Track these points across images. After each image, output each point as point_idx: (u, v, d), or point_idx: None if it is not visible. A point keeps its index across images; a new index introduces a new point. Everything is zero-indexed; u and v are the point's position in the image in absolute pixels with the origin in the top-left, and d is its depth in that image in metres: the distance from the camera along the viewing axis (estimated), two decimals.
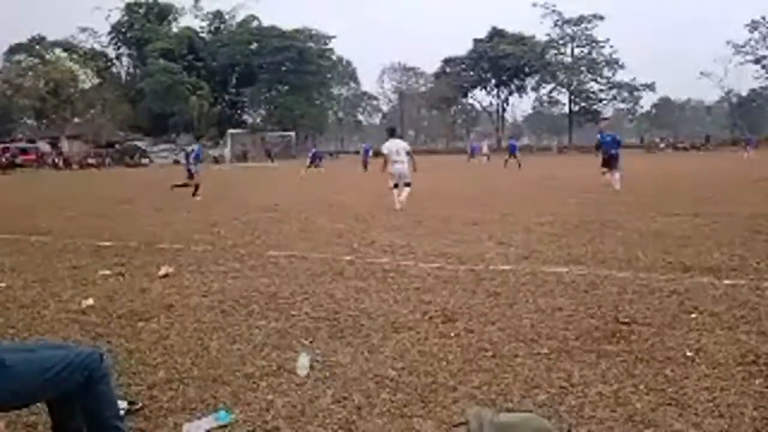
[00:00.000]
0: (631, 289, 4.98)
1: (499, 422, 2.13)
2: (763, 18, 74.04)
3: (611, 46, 78.84)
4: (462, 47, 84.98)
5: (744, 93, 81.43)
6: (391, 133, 12.91)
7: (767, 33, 74.89)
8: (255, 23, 75.79)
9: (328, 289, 5.25)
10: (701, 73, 79.92)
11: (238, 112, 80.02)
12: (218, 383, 3.21)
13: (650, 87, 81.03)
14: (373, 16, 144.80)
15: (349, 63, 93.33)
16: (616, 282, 5.23)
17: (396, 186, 12.08)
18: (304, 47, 73.40)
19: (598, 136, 17.36)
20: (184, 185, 16.80)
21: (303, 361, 3.32)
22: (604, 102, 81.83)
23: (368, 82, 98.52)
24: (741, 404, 2.78)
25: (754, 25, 75.54)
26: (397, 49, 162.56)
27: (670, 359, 3.37)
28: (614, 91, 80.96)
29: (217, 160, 49.83)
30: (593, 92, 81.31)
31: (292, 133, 63.25)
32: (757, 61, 76.46)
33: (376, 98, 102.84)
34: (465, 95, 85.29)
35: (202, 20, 77.91)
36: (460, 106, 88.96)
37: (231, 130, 54.47)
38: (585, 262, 6.18)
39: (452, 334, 3.92)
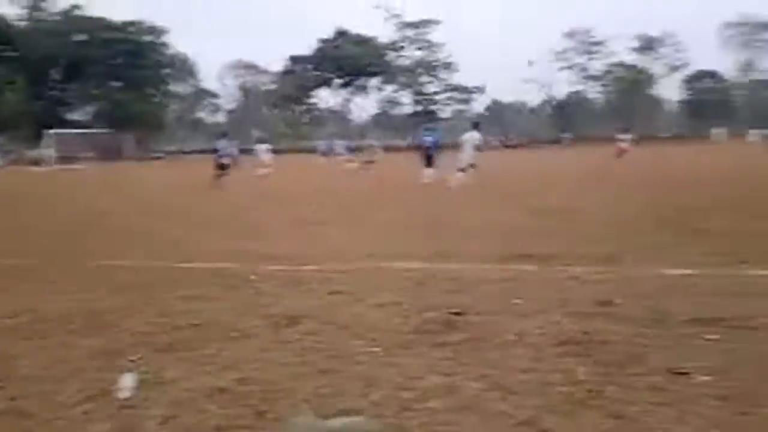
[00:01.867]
0: (465, 279, 5.26)
1: (325, 429, 2.11)
2: (579, 28, 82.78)
3: (447, 50, 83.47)
4: (308, 47, 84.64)
5: (563, 96, 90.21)
6: (474, 126, 16.45)
7: (580, 42, 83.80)
8: (78, 12, 69.56)
9: (160, 299, 4.93)
10: (525, 79, 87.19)
11: (63, 109, 72.93)
12: (23, 417, 2.85)
13: (480, 90, 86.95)
14: (213, 10, 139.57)
15: (186, 58, 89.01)
16: (451, 274, 5.50)
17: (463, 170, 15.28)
18: (138, 41, 68.88)
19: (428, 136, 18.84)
20: None
21: (126, 381, 3.06)
22: (443, 104, 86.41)
23: (210, 80, 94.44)
24: (554, 382, 3.03)
25: (570, 34, 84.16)
26: (240, 46, 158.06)
27: (496, 345, 3.59)
28: (451, 94, 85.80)
29: (36, 162, 45.05)
30: (432, 94, 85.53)
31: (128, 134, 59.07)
32: (572, 67, 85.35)
33: (216, 96, 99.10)
34: (310, 94, 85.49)
35: (18, 7, 69.98)
36: (305, 106, 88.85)
37: (53, 130, 49.46)
38: (424, 256, 6.43)
39: (293, 338, 3.85)
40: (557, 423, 2.60)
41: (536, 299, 4.54)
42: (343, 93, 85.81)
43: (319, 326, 4.07)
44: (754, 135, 44.84)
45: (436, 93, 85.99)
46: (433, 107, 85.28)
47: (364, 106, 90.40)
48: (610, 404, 2.76)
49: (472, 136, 16.37)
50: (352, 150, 38.29)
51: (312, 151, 53.19)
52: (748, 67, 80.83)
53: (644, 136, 58.36)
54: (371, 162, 28.62)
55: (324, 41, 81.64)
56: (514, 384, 3.02)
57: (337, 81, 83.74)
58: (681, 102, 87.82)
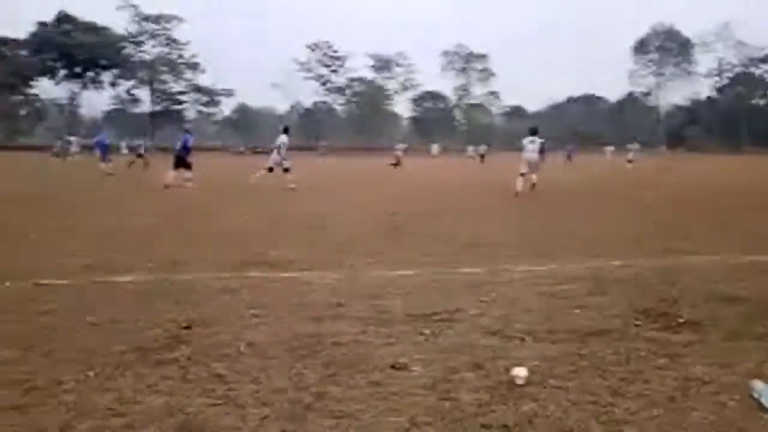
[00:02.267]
0: (197, 290, 5.02)
1: None
2: (320, 41, 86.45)
3: (191, 50, 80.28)
4: (22, 29, 73.89)
5: (308, 105, 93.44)
6: (533, 132, 16.52)
7: (323, 55, 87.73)
8: None
9: None
10: (273, 84, 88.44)
11: None
12: None
13: (229, 93, 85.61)
14: None
15: None
16: (182, 284, 5.20)
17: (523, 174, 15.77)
18: None
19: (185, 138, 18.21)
20: None
21: None
22: (187, 104, 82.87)
23: None
24: (283, 388, 3.03)
25: (312, 47, 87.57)
26: None
27: (225, 357, 3.47)
28: (196, 95, 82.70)
29: None
30: (175, 93, 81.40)
31: None
32: (316, 78, 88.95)
33: None
34: (27, 84, 74.54)
35: None
36: (22, 96, 77.27)
37: None
38: (153, 266, 5.98)
39: None
40: (281, 431, 2.59)
41: (271, 306, 4.53)
42: (71, 85, 76.73)
43: (19, 354, 3.49)
44: (471, 151, 52.04)
45: (180, 93, 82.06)
46: (176, 107, 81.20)
47: (96, 100, 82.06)
48: (333, 404, 2.84)
49: (282, 140, 17.74)
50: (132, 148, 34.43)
51: (33, 148, 46.46)
52: (464, 91, 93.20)
53: (385, 147, 63.55)
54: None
55: (44, 25, 71.98)
56: (241, 396, 2.94)
57: (63, 71, 74.54)
58: (410, 118, 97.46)
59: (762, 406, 2.78)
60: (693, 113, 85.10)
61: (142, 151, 32.63)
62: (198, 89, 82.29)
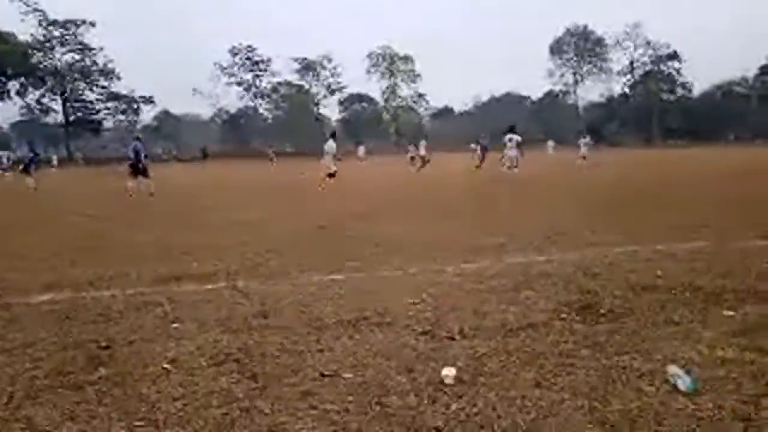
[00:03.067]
0: (120, 306, 4.79)
1: None
2: (242, 45, 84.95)
3: (105, 56, 77.01)
4: None
5: (233, 110, 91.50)
6: (510, 130, 20.38)
7: (245, 59, 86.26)
8: None
9: None
10: (194, 90, 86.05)
11: None
12: None
13: (149, 100, 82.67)
14: None
15: None
16: (103, 302, 4.95)
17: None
18: None
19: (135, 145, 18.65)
20: None
21: None
22: (104, 113, 79.46)
23: None
24: (208, 405, 2.92)
25: (234, 51, 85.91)
26: None
27: (147, 376, 3.32)
28: (113, 103, 79.39)
29: None
30: (91, 102, 77.88)
31: None
32: (239, 83, 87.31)
33: None
34: None
35: None
36: None
37: None
38: (76, 283, 5.66)
39: None
40: None
41: (195, 320, 4.37)
42: None
43: None
44: (413, 150, 50.71)
45: (95, 101, 78.52)
46: (93, 116, 77.69)
47: (2, 112, 77.38)
48: (261, 418, 2.76)
49: (330, 146, 18.81)
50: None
51: None
52: (391, 93, 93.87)
53: (309, 152, 63.04)
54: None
55: None
56: (164, 416, 2.81)
57: None
58: (339, 120, 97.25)
59: (677, 389, 2.91)
60: (609, 109, 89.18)
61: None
62: (115, 97, 78.94)
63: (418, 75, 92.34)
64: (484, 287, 5.10)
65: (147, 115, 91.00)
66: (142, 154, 18.41)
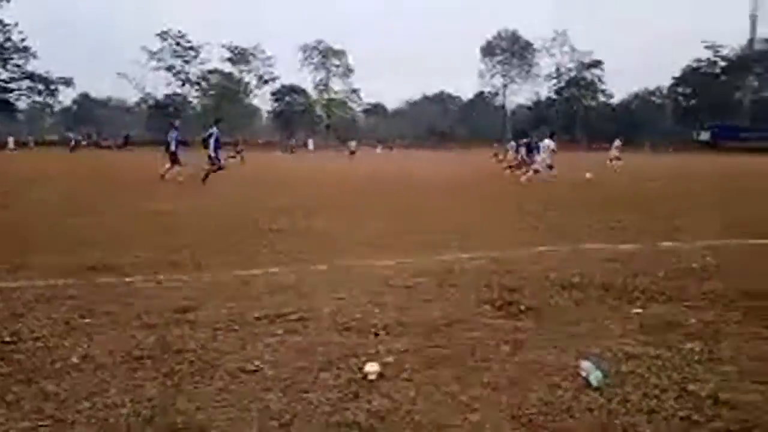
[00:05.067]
0: (28, 298, 4.51)
1: None
2: (172, 30, 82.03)
3: (21, 32, 72.46)
4: None
5: (160, 97, 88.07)
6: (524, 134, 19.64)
7: (174, 45, 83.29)
8: None
9: None
10: (120, 74, 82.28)
11: None
12: None
13: (67, 81, 78.48)
14: None
15: None
16: (8, 293, 4.65)
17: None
18: None
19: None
20: None
21: None
22: (18, 93, 74.80)
23: None
24: (120, 403, 2.79)
25: (163, 36, 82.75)
26: None
27: (55, 372, 3.14)
28: (29, 82, 74.84)
29: None
30: (5, 81, 73.13)
31: None
32: (168, 69, 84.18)
33: None
34: None
35: None
36: None
37: None
38: None
39: None
40: None
41: (111, 314, 4.18)
42: None
43: None
44: (352, 145, 49.49)
45: (10, 80, 73.77)
46: (6, 96, 72.97)
47: None
48: (175, 416, 2.67)
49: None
50: None
51: None
52: (324, 86, 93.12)
53: (246, 142, 61.72)
54: None
55: None
56: (73, 415, 2.67)
57: None
58: (271, 112, 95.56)
59: (589, 384, 3.03)
60: (536, 112, 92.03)
61: None
62: (30, 77, 74.41)
63: (352, 70, 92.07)
64: (410, 284, 5.15)
65: (66, 97, 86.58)
66: (173, 143, 18.08)
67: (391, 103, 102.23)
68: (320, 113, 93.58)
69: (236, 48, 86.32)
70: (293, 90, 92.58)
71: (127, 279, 5.25)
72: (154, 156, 26.67)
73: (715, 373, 3.21)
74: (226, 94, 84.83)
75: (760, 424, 2.63)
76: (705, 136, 69.85)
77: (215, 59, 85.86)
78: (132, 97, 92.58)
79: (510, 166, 23.75)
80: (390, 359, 3.37)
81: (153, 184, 16.30)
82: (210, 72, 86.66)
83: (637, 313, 4.31)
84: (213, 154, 16.91)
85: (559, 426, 2.63)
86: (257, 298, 4.65)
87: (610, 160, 23.21)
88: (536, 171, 19.11)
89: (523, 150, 20.85)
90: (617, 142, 23.20)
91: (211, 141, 16.90)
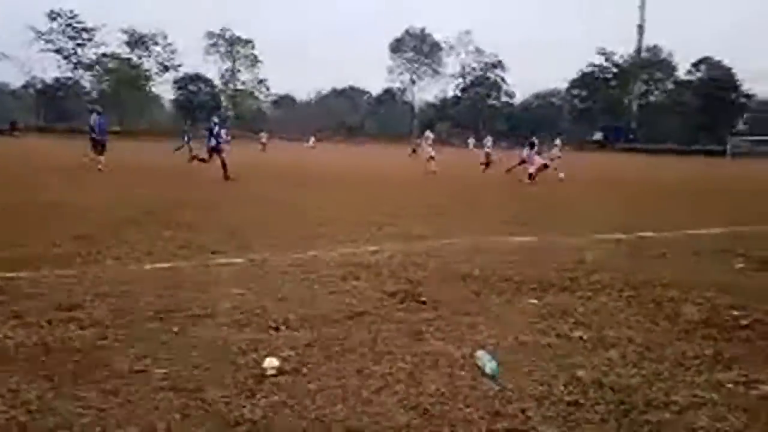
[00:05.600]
0: None
1: None
2: (63, 10, 76.66)
3: None
4: None
5: (49, 81, 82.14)
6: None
7: (66, 26, 77.93)
8: None
9: None
10: (2, 54, 75.82)
11: None
12: None
13: None
14: None
15: None
16: None
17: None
18: None
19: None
20: None
21: None
22: None
23: None
24: None
25: (53, 16, 77.22)
26: None
27: None
28: None
29: None
30: None
31: None
32: (58, 51, 78.65)
33: None
34: None
35: None
36: None
37: None
38: None
39: None
40: None
41: None
42: None
43: None
44: (263, 137, 47.31)
45: None
46: None
47: None
48: (54, 421, 2.48)
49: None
50: None
51: None
52: (231, 76, 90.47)
53: (142, 132, 58.81)
54: None
55: None
56: None
57: None
58: (174, 101, 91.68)
59: (484, 373, 3.12)
60: (442, 110, 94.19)
61: None
62: None
63: (259, 60, 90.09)
64: (312, 277, 5.09)
65: None
66: (97, 129, 17.61)
67: (300, 96, 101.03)
68: (226, 104, 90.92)
69: (135, 32, 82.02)
70: (197, 79, 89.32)
71: (8, 274, 4.84)
72: (47, 143, 24.84)
73: (600, 358, 3.39)
74: (123, 80, 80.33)
75: (638, 405, 2.80)
76: (598, 136, 74.20)
77: (113, 43, 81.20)
78: (15, 81, 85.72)
79: (484, 164, 23.65)
80: (290, 354, 3.31)
81: (53, 172, 15.18)
82: (105, 56, 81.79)
83: (532, 304, 4.49)
84: (212, 145, 16.43)
85: (454, 415, 2.68)
86: (151, 293, 4.42)
87: (552, 160, 23.68)
88: (545, 166, 19.36)
89: (527, 150, 19.47)
90: (557, 142, 23.88)
91: (214, 132, 16.49)
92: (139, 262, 5.51)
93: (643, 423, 2.64)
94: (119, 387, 2.84)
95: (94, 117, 18.30)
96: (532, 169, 18.79)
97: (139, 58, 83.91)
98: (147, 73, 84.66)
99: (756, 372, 3.24)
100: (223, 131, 17.49)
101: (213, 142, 16.31)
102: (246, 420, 2.56)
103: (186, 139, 28.11)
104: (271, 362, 3.11)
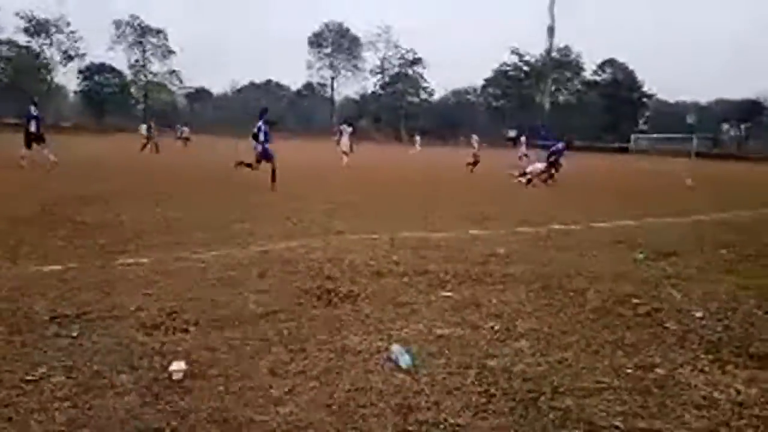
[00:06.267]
0: None
1: None
2: None
3: None
4: None
5: None
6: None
7: None
8: None
9: None
10: None
11: None
12: None
13: None
14: None
15: None
16: None
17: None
18: None
19: None
20: None
21: None
22: None
23: None
24: None
25: None
26: None
27: None
28: None
29: None
30: None
31: None
32: None
33: None
34: None
35: None
36: None
37: None
38: None
39: None
40: None
41: None
42: None
43: None
44: (185, 131, 44.31)
45: None
46: None
47: None
48: None
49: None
50: None
51: None
52: (141, 67, 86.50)
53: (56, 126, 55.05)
54: None
55: None
56: None
57: None
58: (79, 92, 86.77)
59: (399, 367, 3.13)
60: (362, 106, 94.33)
61: None
62: None
63: (172, 51, 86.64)
64: (226, 276, 4.94)
65: None
66: (33, 122, 16.04)
67: (217, 89, 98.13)
68: (136, 96, 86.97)
69: (34, 17, 76.85)
70: (104, 69, 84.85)
71: None
72: None
73: (511, 348, 3.49)
74: (22, 69, 75.11)
75: (546, 392, 2.90)
76: (512, 133, 76.71)
77: (9, 28, 75.72)
78: None
79: (471, 163, 22.11)
80: (200, 356, 3.19)
81: None
82: (0, 43, 76.17)
83: (447, 296, 4.56)
84: (260, 148, 13.53)
85: (369, 411, 2.66)
86: (52, 296, 4.14)
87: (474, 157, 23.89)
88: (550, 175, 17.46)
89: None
90: (474, 137, 24.26)
91: (261, 134, 13.62)
92: (35, 263, 5.15)
93: (549, 409, 2.73)
94: (10, 399, 2.63)
95: (31, 108, 16.64)
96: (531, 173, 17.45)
97: (40, 46, 78.73)
98: (48, 62, 79.58)
99: (653, 356, 3.44)
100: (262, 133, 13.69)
101: (259, 146, 13.51)
102: (149, 428, 2.43)
103: (149, 132, 27.23)
104: (178, 365, 2.98)
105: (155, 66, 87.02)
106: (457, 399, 2.80)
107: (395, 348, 3.28)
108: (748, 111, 69.86)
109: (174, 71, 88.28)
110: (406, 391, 2.86)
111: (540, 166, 17.88)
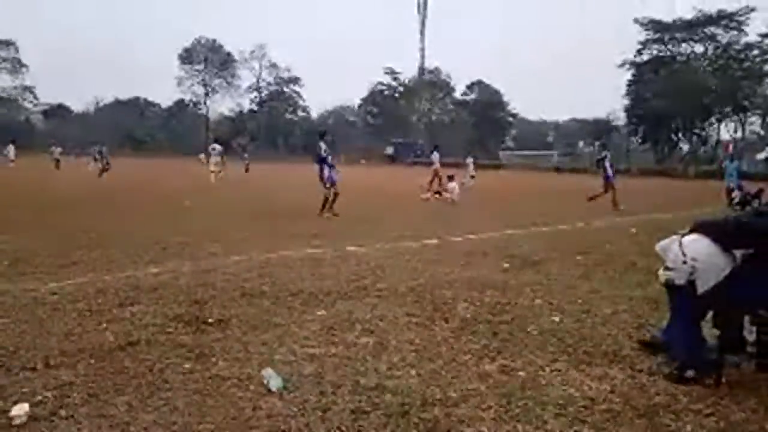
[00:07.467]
0: None
1: None
2: None
3: None
4: None
5: None
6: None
7: None
8: None
9: None
10: None
11: None
12: None
13: None
14: None
15: None
16: None
17: None
18: None
19: None
20: None
21: None
22: None
23: None
24: None
25: None
26: None
27: None
28: None
29: None
30: None
31: None
32: None
33: None
34: None
35: None
36: None
37: None
38: None
39: None
40: None
41: None
42: None
43: None
44: (56, 152, 38.85)
45: None
46: None
47: None
48: None
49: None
50: None
51: None
52: None
53: None
54: None
55: None
56: None
57: None
58: None
59: (270, 390, 3.04)
60: (239, 123, 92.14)
61: None
62: None
63: (24, 65, 79.73)
64: (82, 306, 4.57)
65: None
66: None
67: (77, 106, 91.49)
68: None
69: None
70: None
71: None
72: None
73: (383, 363, 3.52)
74: None
75: (416, 404, 2.94)
76: (389, 151, 78.42)
77: None
78: None
79: (436, 192, 19.53)
80: (46, 396, 2.90)
81: None
82: None
83: (321, 315, 4.53)
84: (326, 177, 12.64)
85: None
86: None
87: (472, 177, 23.61)
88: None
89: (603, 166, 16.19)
90: (470, 159, 24.16)
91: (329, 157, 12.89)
92: None
93: (419, 421, 2.78)
94: None
95: None
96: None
97: None
98: None
99: (515, 361, 3.62)
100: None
101: (327, 172, 12.71)
102: None
103: (99, 156, 27.25)
104: (21, 408, 2.70)
105: (5, 80, 79.65)
106: (329, 419, 2.77)
107: (266, 372, 3.19)
108: (600, 129, 76.67)
109: (27, 87, 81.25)
110: (277, 417, 2.79)
111: (453, 185, 17.64)
